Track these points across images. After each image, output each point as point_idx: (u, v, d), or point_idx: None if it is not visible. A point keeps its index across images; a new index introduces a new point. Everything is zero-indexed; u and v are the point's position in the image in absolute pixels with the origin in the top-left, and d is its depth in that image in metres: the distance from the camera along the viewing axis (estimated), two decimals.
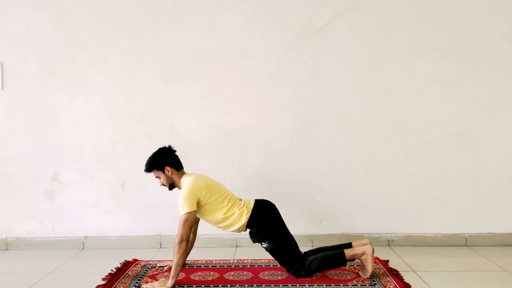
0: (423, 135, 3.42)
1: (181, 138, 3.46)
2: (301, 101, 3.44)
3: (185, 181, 2.69)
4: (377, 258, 3.07)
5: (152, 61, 3.46)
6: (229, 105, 3.46)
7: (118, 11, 3.45)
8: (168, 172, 2.74)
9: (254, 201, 2.77)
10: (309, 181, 3.46)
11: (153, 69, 3.46)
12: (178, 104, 3.47)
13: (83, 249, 3.50)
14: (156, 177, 2.80)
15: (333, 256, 2.70)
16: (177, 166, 2.78)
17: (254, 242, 2.75)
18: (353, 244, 2.81)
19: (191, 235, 2.88)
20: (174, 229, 3.45)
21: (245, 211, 2.70)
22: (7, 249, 3.52)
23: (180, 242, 2.56)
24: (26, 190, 3.51)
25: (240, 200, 2.77)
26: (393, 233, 3.46)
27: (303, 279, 2.68)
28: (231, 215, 2.69)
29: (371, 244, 2.74)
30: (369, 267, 2.67)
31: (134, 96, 3.47)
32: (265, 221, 2.70)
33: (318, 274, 2.73)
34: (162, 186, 2.82)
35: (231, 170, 3.45)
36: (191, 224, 2.62)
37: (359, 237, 3.42)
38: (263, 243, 2.71)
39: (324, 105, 3.44)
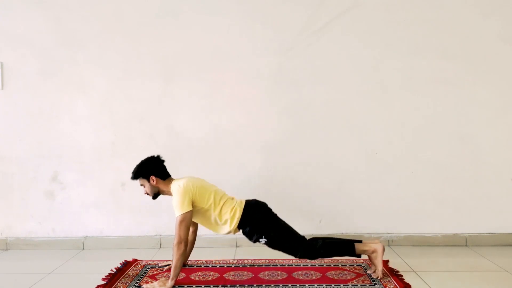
0: (423, 135, 3.42)
1: (180, 138, 3.46)
2: (301, 101, 3.44)
3: (176, 185, 2.67)
4: None
5: (152, 61, 3.46)
6: (229, 105, 3.46)
7: (118, 11, 3.45)
8: (153, 181, 2.71)
9: (245, 201, 2.77)
10: (309, 181, 3.46)
11: (153, 69, 3.46)
12: (178, 104, 3.47)
13: (83, 249, 3.50)
14: (141, 185, 2.77)
15: (343, 243, 2.72)
16: (163, 175, 2.75)
17: (254, 242, 2.73)
18: (363, 241, 2.79)
19: (191, 235, 2.88)
20: (174, 229, 3.46)
21: (238, 209, 2.69)
22: (7, 249, 3.52)
23: (178, 243, 2.56)
24: (26, 190, 3.51)
25: (232, 199, 2.77)
26: (393, 233, 3.46)
27: (303, 279, 2.67)
28: (223, 214, 2.68)
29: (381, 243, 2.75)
30: (379, 266, 2.67)
31: (134, 96, 3.47)
32: (256, 219, 2.69)
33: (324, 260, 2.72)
34: (146, 194, 2.79)
35: (230, 170, 3.44)
36: (188, 225, 2.61)
37: (359, 237, 3.41)
38: (261, 240, 2.69)
39: (324, 105, 3.44)
